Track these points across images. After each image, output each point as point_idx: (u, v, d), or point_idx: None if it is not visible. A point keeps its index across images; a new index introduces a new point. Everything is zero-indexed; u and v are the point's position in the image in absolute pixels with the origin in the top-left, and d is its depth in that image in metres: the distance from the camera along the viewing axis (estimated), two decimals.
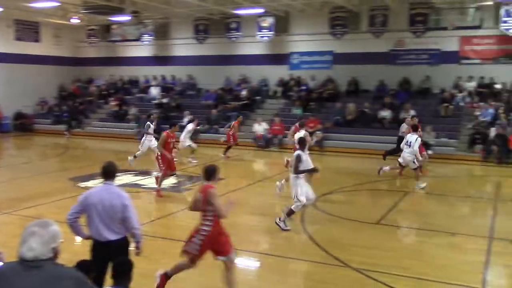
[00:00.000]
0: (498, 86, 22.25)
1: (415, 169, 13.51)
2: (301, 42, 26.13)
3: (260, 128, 22.45)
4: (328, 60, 25.72)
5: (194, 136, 19.26)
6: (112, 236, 5.47)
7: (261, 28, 25.88)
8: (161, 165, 12.41)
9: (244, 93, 25.80)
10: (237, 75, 27.36)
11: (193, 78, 28.68)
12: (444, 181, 15.76)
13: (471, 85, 22.68)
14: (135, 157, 16.20)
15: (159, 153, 12.46)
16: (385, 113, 21.90)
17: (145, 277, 6.25)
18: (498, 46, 22.55)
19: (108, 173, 5.69)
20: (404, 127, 16.24)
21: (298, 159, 9.44)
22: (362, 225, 10.09)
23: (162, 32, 29.46)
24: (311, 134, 14.68)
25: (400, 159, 14.01)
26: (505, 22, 21.52)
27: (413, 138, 13.33)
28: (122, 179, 13.60)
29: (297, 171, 9.44)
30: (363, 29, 24.54)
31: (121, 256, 5.12)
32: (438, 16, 22.67)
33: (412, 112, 21.08)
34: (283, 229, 9.42)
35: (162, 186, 12.62)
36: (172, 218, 10.94)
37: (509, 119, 19.47)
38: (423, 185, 13.34)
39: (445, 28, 21.89)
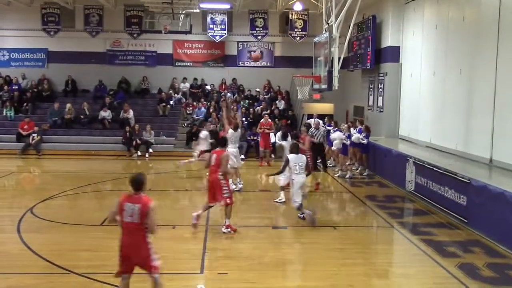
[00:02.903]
0: (208, 87, 24.50)
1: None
2: (10, 38, 24.03)
3: None
4: (42, 58, 24.28)
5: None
6: None
7: None
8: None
9: None
10: None
11: None
12: (165, 177, 16.55)
13: (186, 86, 24.37)
14: None
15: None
16: (105, 113, 21.78)
17: None
18: (207, 51, 24.77)
19: None
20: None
21: None
22: (86, 228, 9.92)
23: None
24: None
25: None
26: (211, 29, 23.78)
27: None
28: None
29: None
30: (78, 27, 23.94)
31: None
32: (152, 20, 23.60)
33: (131, 112, 21.56)
34: None
35: None
36: None
37: (218, 117, 21.54)
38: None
39: (159, 32, 22.95)
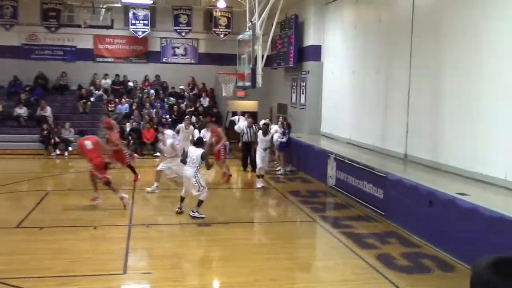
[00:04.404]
0: (131, 83, 23.97)
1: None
2: None
3: None
4: None
5: None
6: None
7: None
8: None
9: None
10: None
11: None
12: (85, 176, 15.99)
13: (107, 82, 23.71)
14: None
15: None
16: (21, 110, 20.75)
17: None
18: (129, 46, 24.21)
19: None
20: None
21: None
22: (1, 231, 9.43)
23: None
24: None
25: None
26: (133, 24, 23.27)
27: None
28: None
29: None
30: None
31: None
32: (71, 13, 22.75)
33: (49, 110, 20.69)
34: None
35: None
36: None
37: (141, 114, 21.16)
38: None
39: (79, 26, 22.16)
